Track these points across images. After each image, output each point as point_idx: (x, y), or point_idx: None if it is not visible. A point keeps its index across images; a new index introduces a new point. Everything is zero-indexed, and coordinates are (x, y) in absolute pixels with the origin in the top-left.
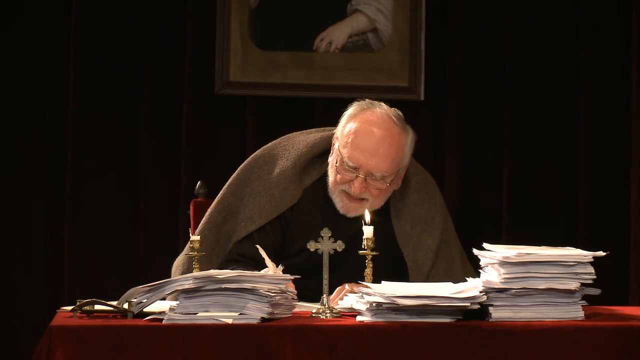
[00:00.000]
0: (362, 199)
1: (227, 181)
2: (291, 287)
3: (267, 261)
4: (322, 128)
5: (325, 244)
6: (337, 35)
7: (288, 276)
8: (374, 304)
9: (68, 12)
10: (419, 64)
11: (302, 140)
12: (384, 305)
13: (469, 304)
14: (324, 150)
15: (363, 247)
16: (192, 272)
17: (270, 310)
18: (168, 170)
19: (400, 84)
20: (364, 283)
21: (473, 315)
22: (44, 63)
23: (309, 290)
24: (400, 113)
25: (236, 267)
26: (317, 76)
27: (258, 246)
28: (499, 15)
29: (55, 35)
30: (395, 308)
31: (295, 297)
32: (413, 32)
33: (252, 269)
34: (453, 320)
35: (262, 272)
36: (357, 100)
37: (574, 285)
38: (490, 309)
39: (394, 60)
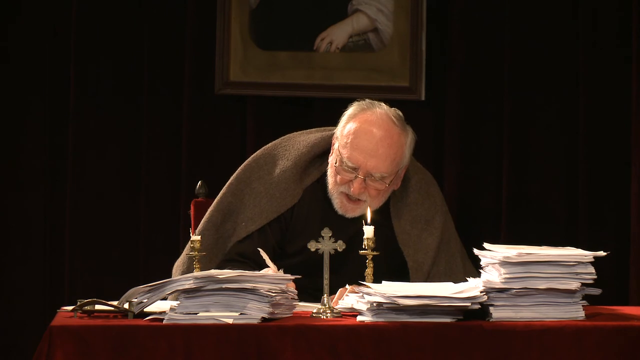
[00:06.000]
0: (360, 200)
1: (227, 181)
2: (292, 287)
3: (269, 262)
4: (322, 128)
5: (326, 244)
6: (337, 35)
7: (289, 276)
8: (374, 304)
9: (69, 11)
10: (419, 64)
11: (302, 140)
12: (385, 305)
13: (469, 304)
14: (324, 150)
15: (363, 247)
16: (192, 272)
17: (270, 310)
18: (168, 170)
19: (400, 84)
20: (364, 283)
21: (474, 315)
22: (44, 63)
23: (312, 290)
24: (400, 113)
25: (234, 267)
26: (318, 76)
27: (259, 249)
28: (499, 15)
29: (55, 35)
30: (395, 308)
31: (296, 297)
32: (414, 32)
33: (250, 269)
34: (454, 320)
35: (263, 272)
36: (357, 100)
37: (574, 285)
38: (491, 308)
39: (394, 60)
